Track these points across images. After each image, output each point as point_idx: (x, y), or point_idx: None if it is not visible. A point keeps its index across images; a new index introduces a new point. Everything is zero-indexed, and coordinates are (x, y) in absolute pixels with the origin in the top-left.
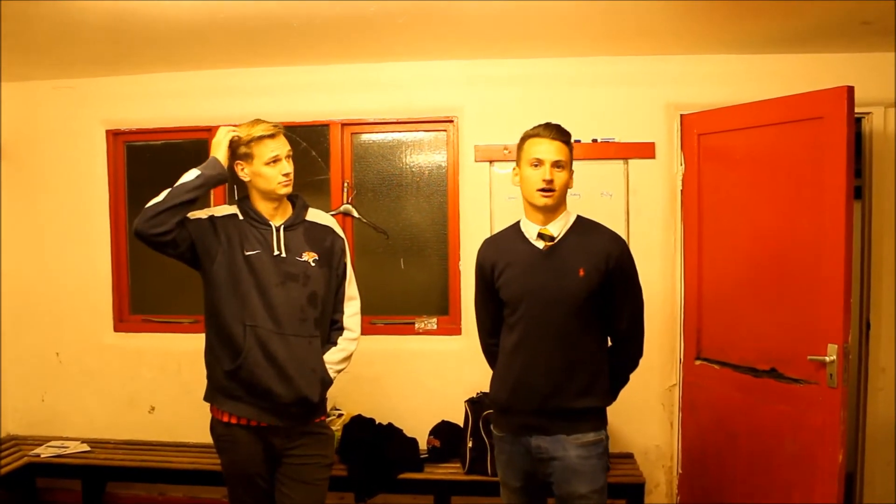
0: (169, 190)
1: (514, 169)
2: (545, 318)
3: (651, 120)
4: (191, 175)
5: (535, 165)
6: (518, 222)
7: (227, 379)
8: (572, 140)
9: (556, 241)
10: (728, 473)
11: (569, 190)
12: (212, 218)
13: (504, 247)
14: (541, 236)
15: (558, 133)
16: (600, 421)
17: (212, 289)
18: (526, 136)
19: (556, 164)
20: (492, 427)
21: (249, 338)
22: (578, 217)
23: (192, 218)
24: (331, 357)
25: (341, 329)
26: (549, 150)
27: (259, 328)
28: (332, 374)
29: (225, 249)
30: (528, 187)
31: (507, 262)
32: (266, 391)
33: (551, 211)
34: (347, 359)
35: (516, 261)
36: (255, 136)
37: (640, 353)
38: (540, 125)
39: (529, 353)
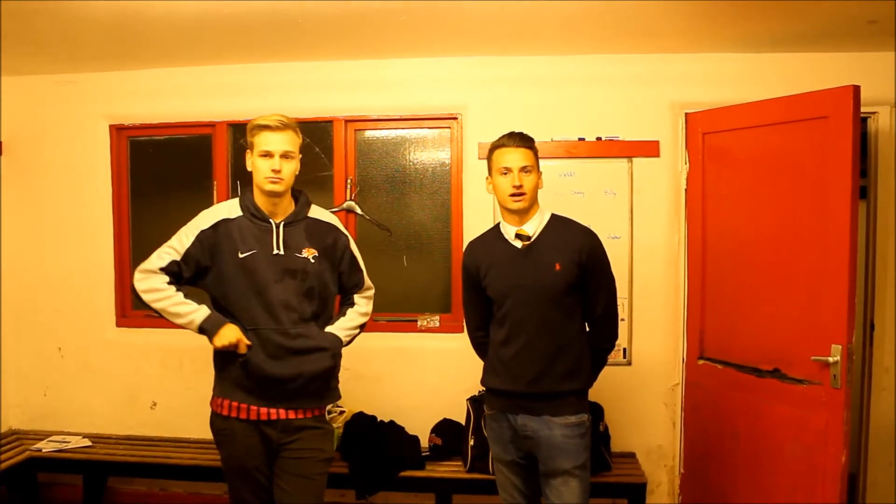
0: (171, 304)
1: (486, 178)
2: (529, 311)
3: (656, 118)
4: (195, 315)
5: (505, 173)
6: (498, 224)
7: (235, 371)
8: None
9: (532, 239)
10: (730, 473)
11: (572, 189)
12: (199, 237)
13: (487, 248)
14: (518, 236)
15: (522, 140)
16: (582, 404)
17: (211, 298)
18: (493, 148)
19: (524, 170)
20: (484, 407)
21: (252, 340)
22: (553, 215)
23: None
24: (345, 323)
25: (353, 304)
26: (515, 157)
27: (261, 330)
28: (344, 337)
29: (216, 261)
30: (500, 193)
31: (490, 263)
32: (274, 380)
33: (525, 212)
34: (355, 330)
35: (498, 260)
36: (256, 125)
37: (615, 336)
38: (504, 135)
39: (518, 343)
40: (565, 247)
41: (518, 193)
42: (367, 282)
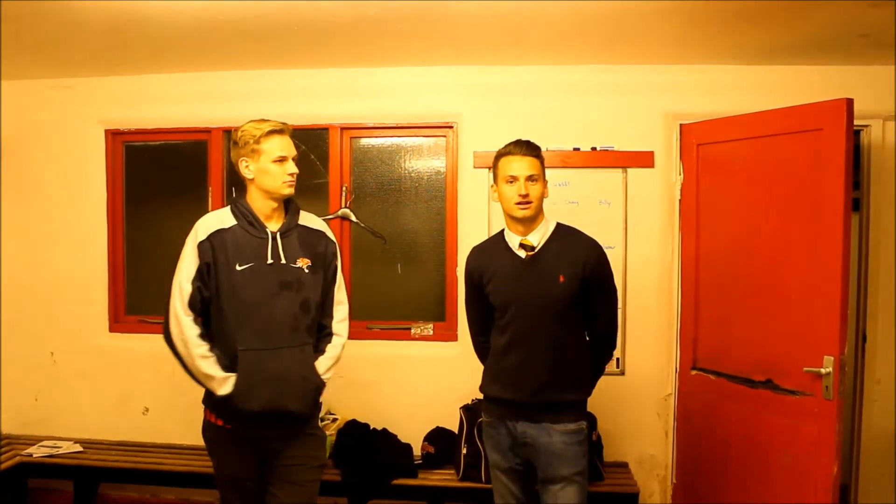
0: (196, 367)
1: (491, 186)
2: (532, 322)
3: (650, 129)
4: (221, 387)
5: (511, 182)
6: (501, 231)
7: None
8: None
9: (536, 250)
10: (722, 483)
11: (567, 198)
12: (200, 250)
13: (490, 255)
14: (522, 246)
15: (529, 149)
16: (582, 411)
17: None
18: (499, 155)
19: (530, 178)
20: (482, 413)
21: (242, 360)
22: (558, 224)
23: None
24: (319, 366)
25: (330, 335)
26: (521, 166)
27: (249, 351)
28: (326, 380)
29: (215, 274)
30: (506, 202)
31: (494, 270)
32: (258, 413)
33: (530, 221)
34: (335, 365)
35: (502, 269)
36: (266, 131)
37: (614, 347)
38: (511, 143)
39: (519, 353)
40: (569, 259)
41: (524, 202)
42: (342, 296)
